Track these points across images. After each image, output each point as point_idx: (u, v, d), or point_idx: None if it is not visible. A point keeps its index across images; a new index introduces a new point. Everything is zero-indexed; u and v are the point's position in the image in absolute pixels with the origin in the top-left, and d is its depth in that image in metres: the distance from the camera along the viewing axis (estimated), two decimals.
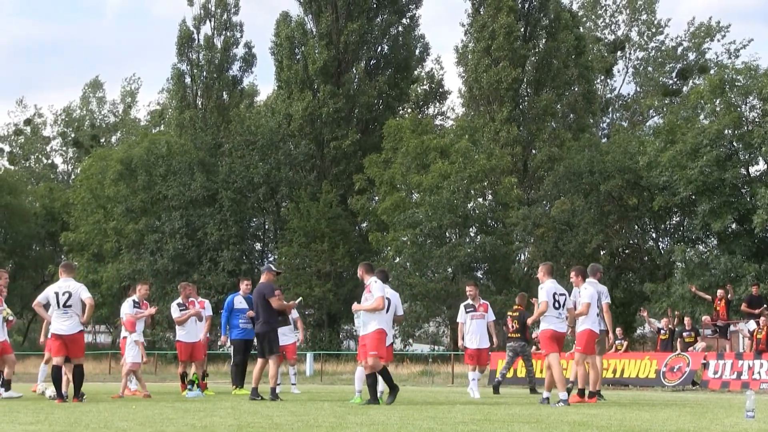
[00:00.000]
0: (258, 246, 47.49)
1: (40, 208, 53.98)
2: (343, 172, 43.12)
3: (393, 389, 11.92)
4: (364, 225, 43.21)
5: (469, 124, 40.16)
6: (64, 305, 12.43)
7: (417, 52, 46.46)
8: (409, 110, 47.92)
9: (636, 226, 36.70)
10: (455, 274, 36.40)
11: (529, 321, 14.48)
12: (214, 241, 41.30)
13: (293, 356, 17.69)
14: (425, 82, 51.68)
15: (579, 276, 13.28)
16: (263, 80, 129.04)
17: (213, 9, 47.30)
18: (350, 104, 43.33)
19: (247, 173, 42.06)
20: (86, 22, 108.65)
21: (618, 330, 22.92)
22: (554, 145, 38.73)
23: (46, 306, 12.66)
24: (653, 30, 53.82)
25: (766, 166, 31.75)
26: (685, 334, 22.74)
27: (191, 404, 11.96)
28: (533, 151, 40.89)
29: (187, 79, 47.00)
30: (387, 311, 12.85)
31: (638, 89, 54.36)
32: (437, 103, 52.79)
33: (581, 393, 12.99)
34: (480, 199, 39.04)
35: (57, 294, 12.50)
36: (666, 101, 50.87)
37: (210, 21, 47.34)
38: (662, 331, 23.49)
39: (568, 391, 12.55)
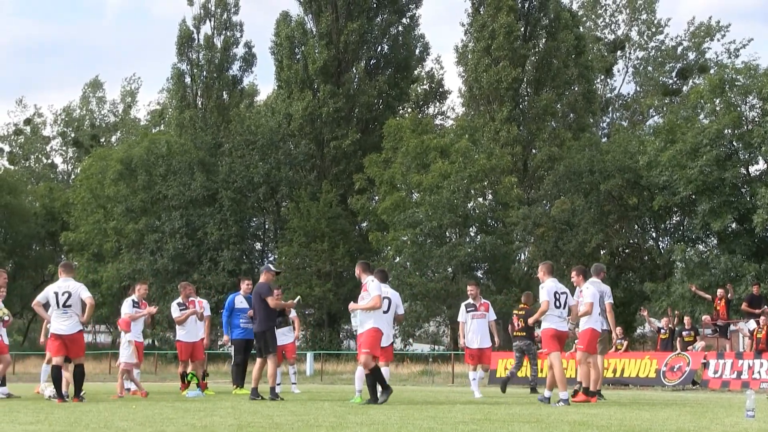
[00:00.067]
0: (258, 246, 47.50)
1: (40, 208, 53.97)
2: (343, 172, 43.11)
3: (386, 389, 11.88)
4: (364, 225, 43.22)
5: (469, 124, 40.16)
6: (64, 305, 12.42)
7: (417, 51, 46.46)
8: (409, 110, 47.94)
9: (636, 226, 36.69)
10: (455, 274, 36.40)
11: (531, 320, 14.48)
12: (214, 240, 41.31)
13: (293, 355, 17.70)
14: (425, 82, 51.69)
15: (580, 275, 13.30)
16: (263, 80, 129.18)
17: (213, 9, 47.33)
18: (350, 104, 43.33)
19: (247, 173, 42.06)
20: (86, 22, 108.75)
21: (618, 330, 22.88)
22: (554, 145, 38.72)
23: (46, 306, 12.65)
24: (653, 30, 53.81)
25: (766, 166, 31.76)
26: (684, 333, 22.76)
27: (191, 404, 11.96)
28: (533, 151, 40.88)
29: (187, 79, 47.02)
30: (388, 310, 12.87)
31: (638, 89, 54.36)
32: (437, 103, 52.86)
33: (586, 391, 13.01)
34: (480, 199, 39.04)
35: (57, 294, 12.48)
36: (666, 101, 50.89)
37: (210, 21, 47.38)
38: (662, 331, 23.50)
39: (575, 392, 12.58)
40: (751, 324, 22.10)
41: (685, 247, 30.70)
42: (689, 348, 22.07)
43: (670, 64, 52.99)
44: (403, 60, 45.05)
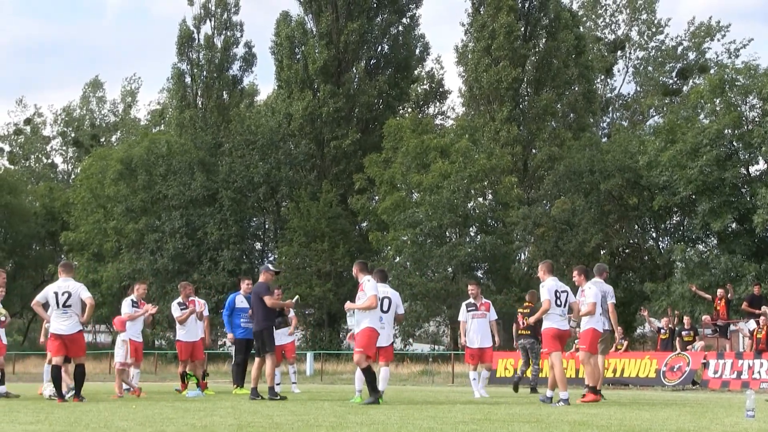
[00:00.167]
0: (258, 245, 47.49)
1: (40, 208, 53.96)
2: (343, 172, 43.11)
3: (373, 391, 11.88)
4: (364, 224, 43.21)
5: (469, 124, 40.17)
6: (64, 305, 12.41)
7: (417, 51, 46.44)
8: (410, 110, 47.94)
9: (636, 226, 36.69)
10: (455, 274, 36.40)
11: (531, 320, 14.46)
12: (214, 240, 41.31)
13: (292, 355, 17.71)
14: (425, 82, 51.70)
15: (582, 275, 13.32)
16: (263, 80, 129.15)
17: (213, 8, 47.33)
18: (350, 104, 43.33)
19: (247, 173, 42.06)
20: (86, 22, 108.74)
21: (618, 329, 22.90)
22: (554, 145, 38.73)
23: (45, 306, 12.64)
24: (653, 29, 53.81)
25: (766, 166, 31.75)
26: (683, 333, 22.77)
27: (191, 404, 11.96)
28: (533, 151, 40.89)
29: (188, 79, 47.02)
30: (388, 310, 12.89)
31: (638, 89, 54.36)
32: (437, 103, 52.89)
33: (594, 390, 13.03)
34: (480, 199, 39.04)
35: (56, 294, 12.47)
36: (666, 101, 50.88)
37: (210, 20, 47.37)
38: (662, 331, 23.51)
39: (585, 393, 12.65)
40: (751, 324, 22.11)
41: (685, 247, 30.71)
42: (688, 348, 22.08)
43: (670, 64, 53.00)
44: (403, 60, 45.05)
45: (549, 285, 12.38)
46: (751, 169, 31.80)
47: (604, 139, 44.82)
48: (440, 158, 36.60)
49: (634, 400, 14.38)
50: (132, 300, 15.45)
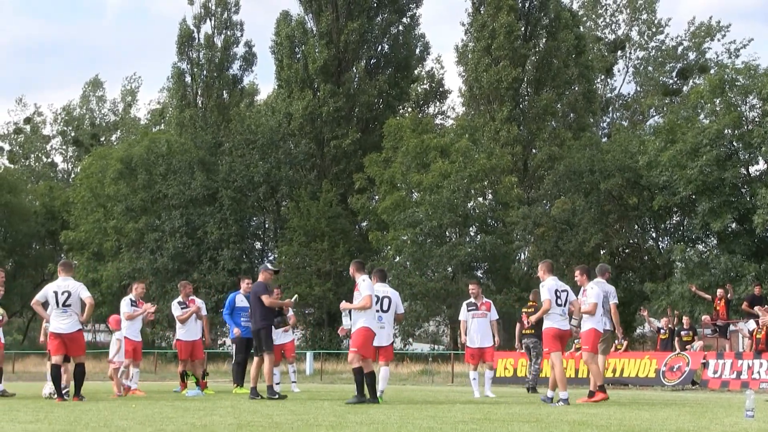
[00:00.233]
0: (258, 245, 47.51)
1: (40, 207, 53.97)
2: (343, 171, 43.11)
3: (360, 394, 11.84)
4: (364, 224, 43.22)
5: (469, 124, 40.18)
6: (63, 304, 12.40)
7: (417, 51, 46.45)
8: (410, 109, 47.94)
9: (636, 226, 36.69)
10: (455, 274, 36.41)
11: (532, 319, 14.47)
12: (214, 239, 41.31)
13: (292, 354, 17.71)
14: (425, 82, 51.69)
15: (584, 275, 13.32)
16: (263, 79, 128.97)
17: (213, 8, 47.33)
18: (350, 103, 43.33)
19: (247, 172, 42.06)
20: (86, 22, 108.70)
21: (619, 330, 22.91)
22: (554, 145, 38.73)
23: (45, 305, 12.63)
24: (653, 29, 53.81)
25: (766, 166, 31.75)
26: (683, 333, 22.77)
27: (191, 403, 11.96)
28: (533, 151, 40.89)
29: (188, 78, 47.04)
30: (388, 310, 12.89)
31: (638, 89, 54.36)
32: (437, 103, 52.89)
33: (602, 389, 13.04)
34: (480, 199, 39.04)
35: (56, 293, 12.46)
36: (666, 101, 50.88)
37: (210, 20, 47.38)
38: (662, 331, 23.51)
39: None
40: (751, 324, 22.09)
41: (684, 247, 30.71)
42: (687, 348, 22.09)
43: (671, 64, 53.00)
44: (403, 59, 45.05)
45: (549, 285, 12.38)
46: (751, 169, 31.81)
47: (604, 139, 44.82)
48: (440, 158, 36.60)
49: (634, 400, 14.38)
50: (131, 299, 15.45)
